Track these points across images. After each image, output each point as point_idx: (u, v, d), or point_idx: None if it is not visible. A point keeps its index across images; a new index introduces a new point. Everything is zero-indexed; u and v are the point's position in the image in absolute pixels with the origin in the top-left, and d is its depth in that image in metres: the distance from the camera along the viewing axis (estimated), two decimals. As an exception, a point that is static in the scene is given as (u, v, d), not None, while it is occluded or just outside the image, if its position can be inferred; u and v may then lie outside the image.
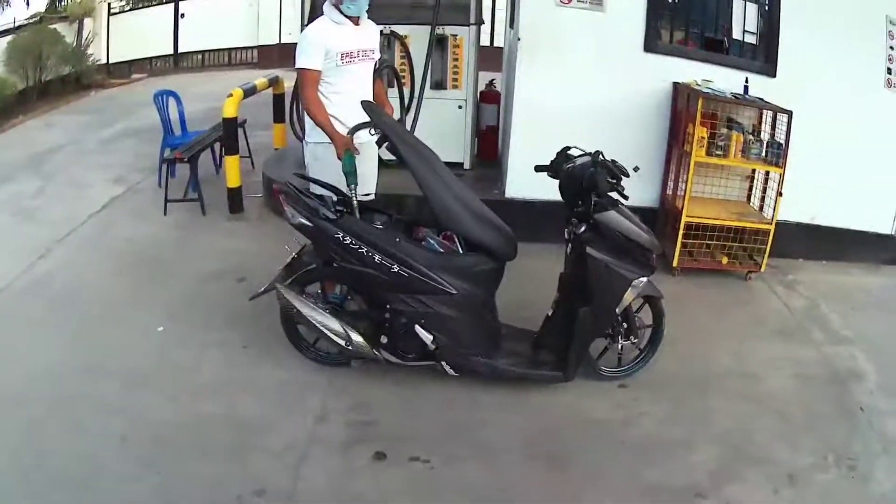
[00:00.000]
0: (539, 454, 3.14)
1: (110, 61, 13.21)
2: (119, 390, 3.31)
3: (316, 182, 3.62)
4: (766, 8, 5.12)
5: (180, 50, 14.10)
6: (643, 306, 3.68)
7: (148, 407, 3.18)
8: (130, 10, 14.66)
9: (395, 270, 3.22)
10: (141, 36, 13.39)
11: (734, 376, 3.87)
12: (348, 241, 3.22)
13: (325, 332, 3.34)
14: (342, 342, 3.34)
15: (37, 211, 5.69)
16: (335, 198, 3.47)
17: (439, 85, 5.78)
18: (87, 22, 12.64)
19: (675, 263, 4.90)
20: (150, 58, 13.84)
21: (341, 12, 3.66)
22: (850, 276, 5.36)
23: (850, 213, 5.45)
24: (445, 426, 3.24)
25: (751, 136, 4.89)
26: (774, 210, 4.87)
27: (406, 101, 5.25)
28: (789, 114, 4.67)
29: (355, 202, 3.39)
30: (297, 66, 3.64)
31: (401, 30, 5.62)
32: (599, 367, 3.64)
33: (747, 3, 5.13)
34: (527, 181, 4.60)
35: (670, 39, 5.19)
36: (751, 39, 5.18)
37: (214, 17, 13.32)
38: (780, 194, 4.80)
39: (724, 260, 4.96)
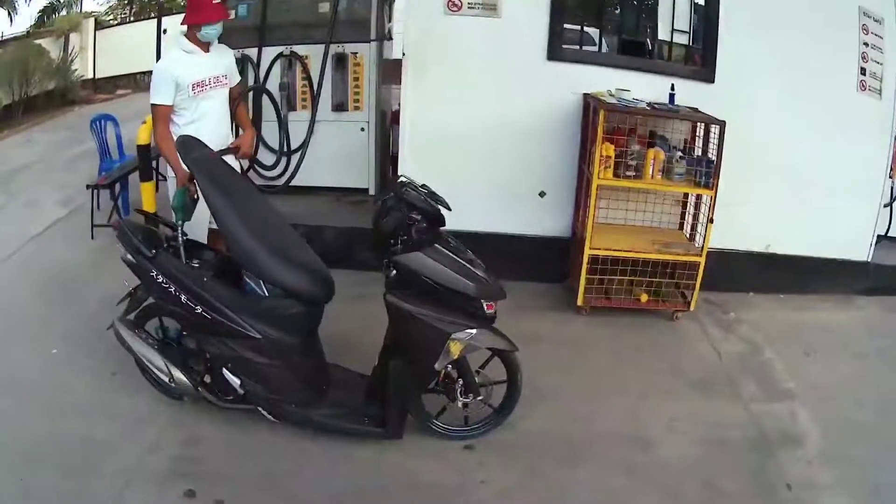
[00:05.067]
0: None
1: (97, 76, 13.82)
2: (6, 403, 3.70)
3: (154, 219, 3.87)
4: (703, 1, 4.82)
5: (163, 65, 14.70)
6: (492, 359, 3.49)
7: (25, 420, 3.57)
8: (118, 24, 15.40)
9: (199, 311, 3.28)
10: (126, 51, 13.82)
11: (619, 441, 3.58)
12: (160, 280, 3.34)
13: (151, 367, 3.49)
14: (165, 378, 3.46)
15: (-9, 230, 6.21)
16: (170, 234, 3.58)
17: (340, 107, 5.77)
18: (74, 37, 13.30)
19: (579, 302, 4.65)
20: (135, 73, 14.31)
21: (190, 40, 3.96)
22: (812, 312, 5.00)
23: (816, 238, 5.16)
24: (261, 471, 3.30)
25: (678, 153, 4.59)
26: (705, 239, 4.56)
27: (285, 123, 5.38)
28: (721, 125, 4.38)
29: (181, 239, 3.48)
30: (150, 101, 3.93)
31: (301, 50, 5.69)
32: (437, 424, 3.49)
33: (675, -3, 4.84)
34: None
35: (580, 45, 4.96)
36: (682, 40, 4.92)
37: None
38: (712, 221, 4.50)
39: (644, 298, 4.66)
